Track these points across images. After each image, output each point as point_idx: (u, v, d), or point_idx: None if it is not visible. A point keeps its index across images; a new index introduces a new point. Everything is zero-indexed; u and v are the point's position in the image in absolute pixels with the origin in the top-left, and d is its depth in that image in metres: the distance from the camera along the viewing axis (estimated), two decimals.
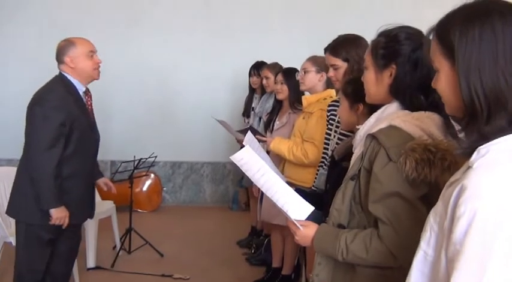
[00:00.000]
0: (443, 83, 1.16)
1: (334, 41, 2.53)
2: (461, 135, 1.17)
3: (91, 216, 3.23)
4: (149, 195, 6.12)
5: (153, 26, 6.14)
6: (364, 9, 6.09)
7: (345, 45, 2.42)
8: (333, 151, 2.30)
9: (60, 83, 2.95)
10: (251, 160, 1.70)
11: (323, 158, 2.85)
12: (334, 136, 2.71)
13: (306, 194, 2.16)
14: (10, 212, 3.02)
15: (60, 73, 2.99)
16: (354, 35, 2.51)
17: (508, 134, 1.05)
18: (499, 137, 1.05)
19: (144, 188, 6.10)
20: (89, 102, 3.07)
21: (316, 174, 2.94)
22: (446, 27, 1.13)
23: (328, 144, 2.81)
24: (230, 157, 1.70)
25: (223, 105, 6.09)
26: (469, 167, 1.06)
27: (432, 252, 1.13)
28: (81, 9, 6.02)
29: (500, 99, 1.06)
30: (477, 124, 1.08)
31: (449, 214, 1.05)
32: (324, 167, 2.76)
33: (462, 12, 1.12)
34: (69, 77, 2.96)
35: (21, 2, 6.07)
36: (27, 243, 2.94)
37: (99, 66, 3.04)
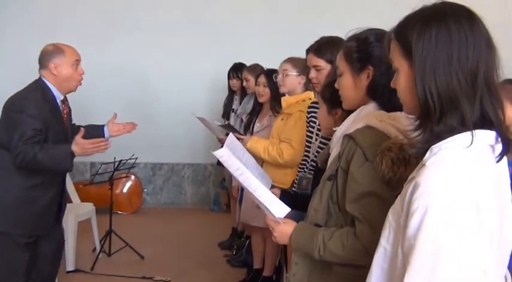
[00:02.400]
0: (402, 82, 1.20)
1: (318, 41, 2.51)
2: (414, 134, 1.21)
3: (58, 221, 3.13)
4: (129, 197, 6.08)
5: (133, 27, 6.10)
6: (343, 11, 6.12)
7: (330, 47, 2.39)
8: (315, 157, 2.31)
9: (38, 89, 2.89)
10: (229, 160, 1.73)
11: (304, 160, 2.84)
12: (316, 139, 2.71)
13: (289, 195, 2.18)
14: None
15: (40, 78, 2.94)
16: (337, 37, 2.45)
17: (458, 133, 1.10)
18: (450, 136, 1.10)
19: (125, 190, 6.06)
20: (65, 111, 3.02)
21: (297, 176, 2.94)
22: (405, 28, 1.17)
23: (309, 147, 2.80)
24: (211, 152, 1.72)
25: (204, 107, 6.07)
26: (423, 165, 1.11)
27: (390, 248, 1.17)
28: (61, 9, 5.96)
29: (453, 99, 1.11)
30: (430, 123, 1.13)
31: (404, 210, 1.09)
32: (305, 170, 2.76)
33: (420, 14, 1.17)
34: (48, 84, 2.91)
35: None
36: (2, 251, 2.88)
37: (81, 78, 2.99)
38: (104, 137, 3.14)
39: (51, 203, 2.97)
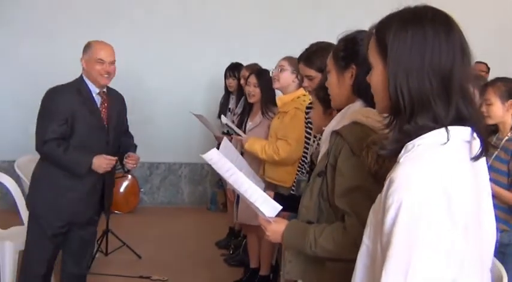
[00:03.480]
0: (375, 79, 1.23)
1: (307, 50, 2.52)
2: (385, 131, 1.24)
3: (103, 208, 3.26)
4: (126, 197, 6.08)
5: (129, 27, 6.09)
6: (342, 10, 6.13)
7: (319, 55, 2.39)
8: (311, 156, 2.33)
9: (75, 83, 3.08)
10: (220, 161, 1.75)
11: (302, 161, 2.85)
12: (314, 140, 2.72)
13: (283, 197, 2.18)
14: (27, 204, 3.15)
15: (80, 75, 3.12)
16: (326, 42, 2.45)
17: (430, 130, 1.13)
18: (422, 134, 1.13)
19: (121, 189, 6.05)
20: (104, 104, 3.13)
21: (295, 178, 2.94)
22: (384, 27, 1.20)
23: (307, 149, 2.81)
24: (200, 155, 1.73)
25: (201, 106, 6.06)
26: (398, 162, 1.13)
27: (371, 245, 1.19)
28: (56, 9, 5.94)
29: (424, 101, 1.13)
30: (400, 122, 1.16)
31: (381, 206, 1.12)
32: (303, 171, 2.76)
33: (400, 15, 1.19)
34: (85, 78, 3.09)
35: None
36: (30, 233, 3.06)
37: (105, 73, 3.09)
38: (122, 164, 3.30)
39: (91, 192, 3.08)
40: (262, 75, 3.78)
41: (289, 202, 1.95)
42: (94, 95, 3.09)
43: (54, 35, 5.76)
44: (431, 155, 1.10)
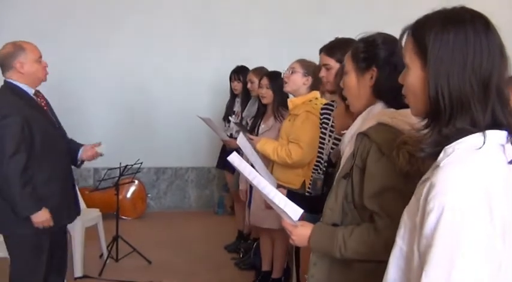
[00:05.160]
0: (412, 80, 1.22)
1: (331, 42, 2.58)
2: (422, 132, 1.23)
3: (78, 214, 3.24)
4: (134, 202, 6.07)
5: (132, 31, 6.10)
6: (345, 11, 6.14)
7: (341, 47, 2.42)
8: (329, 155, 2.32)
9: (6, 90, 2.93)
10: (241, 165, 1.74)
11: (318, 162, 2.85)
12: (329, 140, 2.72)
13: (299, 196, 2.17)
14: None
15: (5, 82, 2.96)
16: (350, 38, 2.48)
17: (468, 134, 1.12)
18: (460, 138, 1.13)
19: (128, 195, 6.05)
20: (43, 103, 3.05)
21: (311, 178, 2.94)
22: (423, 27, 1.18)
23: (322, 149, 2.81)
24: (228, 158, 1.74)
25: (206, 110, 6.04)
26: (437, 166, 1.13)
27: (406, 247, 1.19)
28: (59, 14, 5.94)
29: (464, 103, 1.13)
30: (438, 125, 1.16)
31: (420, 210, 1.12)
32: (319, 171, 2.77)
33: (440, 16, 1.18)
34: (16, 83, 2.93)
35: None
36: (23, 255, 2.91)
37: (46, 68, 3.03)
38: (76, 158, 3.21)
39: (65, 197, 3.05)
40: (274, 77, 3.78)
41: (300, 200, 1.94)
42: (32, 96, 2.98)
43: (58, 42, 5.75)
44: (471, 159, 1.11)
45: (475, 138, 1.12)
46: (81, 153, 3.21)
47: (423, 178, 1.20)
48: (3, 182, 2.79)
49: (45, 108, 3.04)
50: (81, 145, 3.25)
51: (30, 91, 2.98)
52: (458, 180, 1.08)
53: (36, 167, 2.84)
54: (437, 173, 1.11)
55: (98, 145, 3.26)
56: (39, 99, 3.03)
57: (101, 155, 3.26)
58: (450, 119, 1.14)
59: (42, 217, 2.84)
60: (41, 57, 3.01)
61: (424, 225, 1.09)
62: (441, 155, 1.14)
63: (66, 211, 3.07)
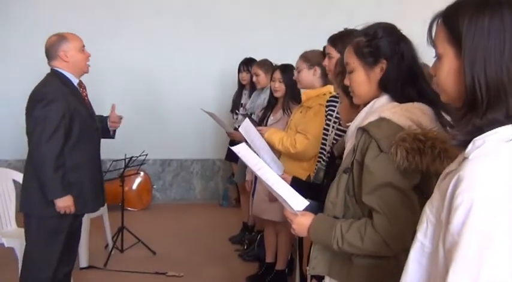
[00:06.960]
0: (446, 69, 1.14)
1: (340, 32, 2.55)
2: (454, 124, 1.17)
3: (102, 204, 3.29)
4: (139, 194, 6.11)
5: (139, 25, 6.10)
6: (353, 6, 6.11)
7: (345, 38, 2.38)
8: (331, 147, 2.32)
9: (54, 76, 3.01)
10: (247, 154, 1.74)
11: (321, 152, 2.86)
12: (332, 131, 2.72)
13: (304, 183, 2.18)
14: (23, 207, 3.03)
15: (52, 69, 3.03)
16: (354, 29, 2.48)
17: (500, 126, 1.06)
18: (492, 128, 1.06)
19: (134, 187, 6.08)
20: (84, 93, 3.12)
21: (315, 168, 2.95)
22: (455, 14, 1.11)
23: (326, 140, 2.82)
24: (231, 147, 1.74)
25: (212, 103, 6.07)
26: (465, 158, 1.07)
27: (429, 244, 1.14)
28: (67, 9, 5.95)
29: (500, 92, 1.06)
30: (474, 115, 1.08)
31: (446, 205, 1.06)
32: (322, 162, 2.78)
33: (473, 0, 1.11)
34: (62, 71, 3.01)
35: (3, 1, 5.99)
36: (40, 238, 2.97)
37: (88, 60, 3.11)
38: (109, 131, 3.34)
39: (93, 184, 3.10)
40: (287, 70, 3.73)
41: (305, 188, 1.94)
42: (75, 85, 3.07)
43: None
44: (501, 152, 1.04)
45: (505, 130, 1.06)
46: (110, 125, 3.33)
47: (447, 170, 1.15)
48: (39, 162, 2.89)
49: (86, 99, 3.13)
50: (106, 117, 3.35)
51: (75, 80, 3.06)
52: (488, 174, 1.02)
53: (69, 154, 2.93)
54: (466, 166, 1.04)
55: (114, 109, 3.36)
56: (81, 89, 3.11)
57: (121, 117, 3.37)
58: (487, 109, 1.06)
59: (65, 202, 2.90)
60: (83, 46, 3.09)
61: (450, 221, 1.03)
62: (469, 146, 1.07)
63: (91, 201, 3.13)
